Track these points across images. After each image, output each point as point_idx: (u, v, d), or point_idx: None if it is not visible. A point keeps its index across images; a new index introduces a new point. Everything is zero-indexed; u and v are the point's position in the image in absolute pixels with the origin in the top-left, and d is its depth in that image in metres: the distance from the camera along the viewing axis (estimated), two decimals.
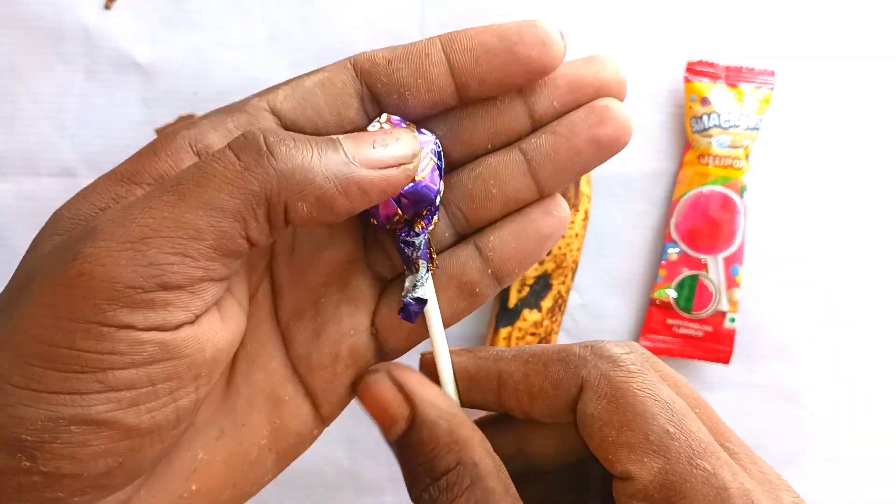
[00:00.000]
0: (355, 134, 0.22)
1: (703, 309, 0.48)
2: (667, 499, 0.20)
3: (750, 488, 0.20)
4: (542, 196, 0.25)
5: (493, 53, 0.23)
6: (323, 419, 0.26)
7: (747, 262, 0.48)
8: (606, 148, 0.24)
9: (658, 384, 0.22)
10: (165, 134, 0.22)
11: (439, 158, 0.24)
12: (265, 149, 0.20)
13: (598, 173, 0.48)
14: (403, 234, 0.24)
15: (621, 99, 0.24)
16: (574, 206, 0.46)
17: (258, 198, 0.19)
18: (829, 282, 0.49)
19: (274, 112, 0.23)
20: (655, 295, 0.48)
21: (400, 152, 0.22)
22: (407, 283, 0.24)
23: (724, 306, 0.47)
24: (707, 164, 0.47)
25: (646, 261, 0.49)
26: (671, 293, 0.48)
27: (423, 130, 0.24)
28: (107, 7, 0.48)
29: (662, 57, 0.49)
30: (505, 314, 0.46)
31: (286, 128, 0.23)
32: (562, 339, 0.48)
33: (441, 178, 0.24)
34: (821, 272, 0.49)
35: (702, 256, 0.48)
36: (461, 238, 0.26)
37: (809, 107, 0.49)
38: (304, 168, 0.20)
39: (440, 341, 0.25)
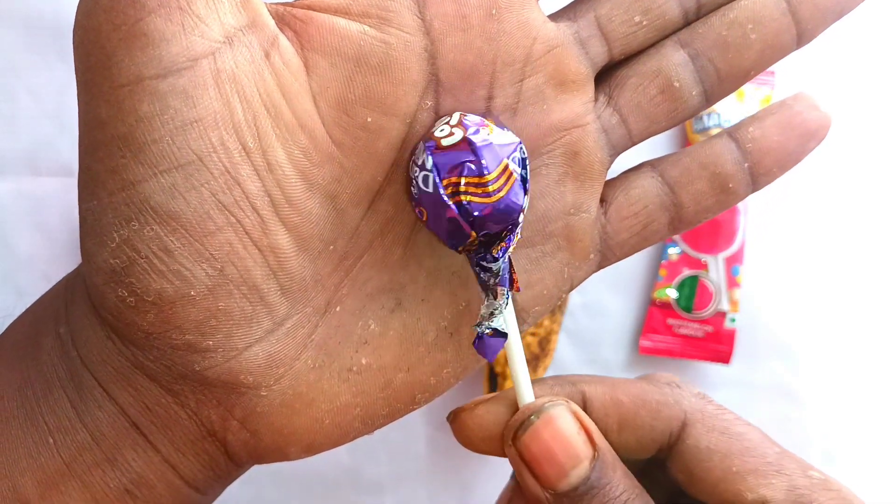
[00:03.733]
0: None
1: (704, 309, 0.48)
2: None
3: (852, 491, 0.21)
4: (801, 41, 0.24)
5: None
6: (522, 308, 0.23)
7: (748, 262, 0.48)
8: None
9: (738, 417, 0.23)
10: None
11: (523, 167, 0.20)
12: None
13: None
14: (479, 258, 0.20)
15: None
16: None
17: None
18: (830, 282, 0.49)
19: None
20: (656, 295, 0.48)
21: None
22: (483, 311, 0.21)
23: (725, 306, 0.47)
24: None
25: (646, 261, 0.49)
26: (671, 293, 0.48)
27: (504, 126, 0.21)
28: None
29: None
30: None
31: None
32: (562, 339, 0.48)
33: (526, 192, 0.20)
34: (821, 272, 0.49)
35: (702, 256, 0.48)
36: (708, 97, 0.23)
37: None
38: None
39: (522, 375, 0.22)
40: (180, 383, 0.20)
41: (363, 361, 0.21)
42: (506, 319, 0.21)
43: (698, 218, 0.23)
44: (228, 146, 0.18)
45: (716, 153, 0.23)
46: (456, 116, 0.20)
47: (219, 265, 0.18)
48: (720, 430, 0.22)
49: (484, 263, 0.20)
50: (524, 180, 0.20)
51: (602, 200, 0.23)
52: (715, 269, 0.48)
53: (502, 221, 0.20)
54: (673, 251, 0.48)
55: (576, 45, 0.22)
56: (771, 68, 0.48)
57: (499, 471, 0.49)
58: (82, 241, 0.19)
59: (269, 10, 0.19)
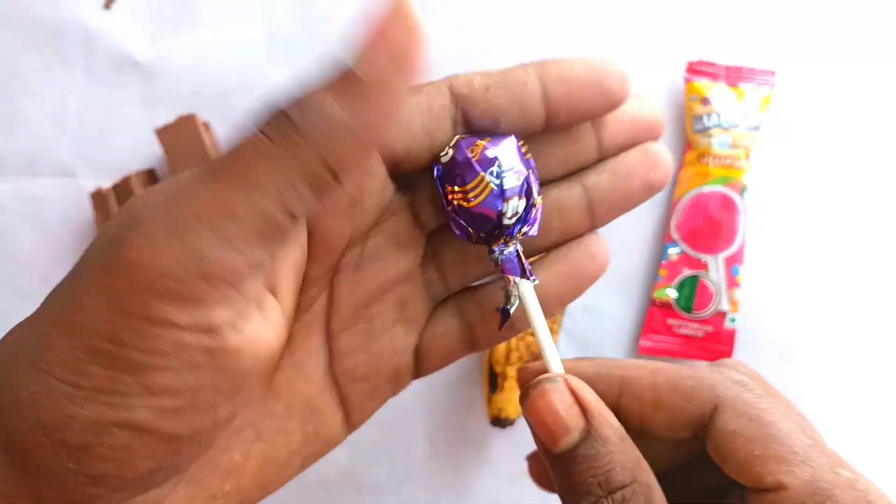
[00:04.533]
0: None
1: (704, 309, 0.48)
2: (819, 502, 0.21)
3: (885, 495, 0.22)
4: (594, 227, 0.26)
5: (584, 85, 0.24)
6: (350, 427, 0.27)
7: (748, 262, 0.48)
8: (653, 190, 0.26)
9: (783, 409, 0.24)
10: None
11: (499, 178, 0.24)
12: (290, 122, 0.19)
13: None
14: (488, 251, 0.24)
15: (659, 136, 0.26)
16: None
17: (293, 171, 0.19)
18: (830, 282, 0.49)
19: None
20: (656, 295, 0.48)
21: (399, 37, 0.21)
22: (502, 293, 0.25)
23: (725, 306, 0.47)
24: (707, 164, 0.47)
25: (646, 261, 0.49)
26: (671, 293, 0.48)
27: (497, 141, 0.24)
28: (107, 7, 0.47)
29: (662, 57, 0.49)
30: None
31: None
32: (562, 339, 0.48)
33: (506, 199, 0.24)
34: (821, 272, 0.49)
35: (702, 256, 0.48)
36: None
37: (809, 107, 0.49)
38: (330, 131, 0.19)
39: (549, 350, 0.25)
40: None
41: (226, 488, 0.23)
42: (523, 303, 0.24)
43: (489, 343, 0.27)
44: None
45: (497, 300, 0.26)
46: (454, 139, 0.24)
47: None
48: (750, 417, 0.23)
49: (490, 256, 0.24)
50: (500, 189, 0.24)
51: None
52: (715, 269, 0.48)
53: (482, 224, 0.24)
54: (673, 251, 0.48)
55: (410, 211, 0.25)
56: (771, 68, 0.48)
57: (499, 471, 0.49)
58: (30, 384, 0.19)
59: None
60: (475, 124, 0.24)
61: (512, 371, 0.46)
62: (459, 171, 0.23)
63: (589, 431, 0.22)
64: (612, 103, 0.24)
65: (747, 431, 0.23)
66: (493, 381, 0.46)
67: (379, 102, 0.19)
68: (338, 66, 0.19)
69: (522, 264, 0.24)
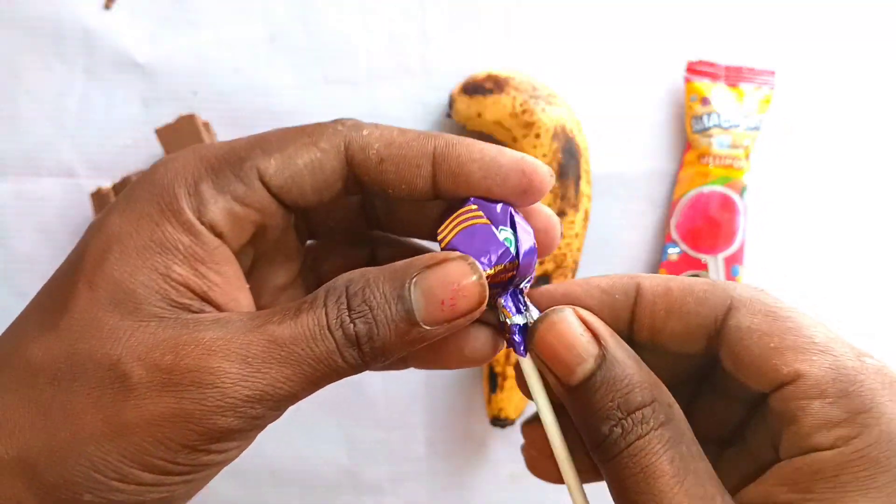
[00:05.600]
0: (427, 285, 0.22)
1: None
2: (842, 390, 0.20)
3: None
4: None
5: (474, 185, 0.24)
6: None
7: (747, 261, 0.48)
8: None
9: (803, 309, 0.23)
10: (159, 197, 0.23)
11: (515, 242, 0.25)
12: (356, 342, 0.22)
13: (598, 173, 0.48)
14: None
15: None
16: (574, 206, 0.46)
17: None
18: (829, 281, 0.49)
19: (264, 183, 0.24)
20: None
21: (466, 309, 0.22)
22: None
23: None
24: (707, 164, 0.47)
25: (646, 261, 0.49)
26: None
27: (516, 218, 0.25)
28: (107, 7, 0.48)
29: (662, 57, 0.49)
30: None
31: (272, 194, 0.24)
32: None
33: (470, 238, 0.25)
34: (820, 272, 0.49)
35: (702, 256, 0.48)
36: None
37: (809, 107, 0.49)
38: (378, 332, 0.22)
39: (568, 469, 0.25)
40: None
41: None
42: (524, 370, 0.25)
43: None
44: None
45: None
46: (473, 203, 0.25)
47: None
48: (765, 312, 0.22)
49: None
50: (516, 251, 0.24)
51: None
52: (715, 269, 0.48)
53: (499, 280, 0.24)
54: (673, 251, 0.48)
55: (293, 227, 0.27)
56: (771, 68, 0.48)
57: (499, 471, 0.49)
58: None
59: None
60: (364, 186, 0.25)
61: (512, 371, 0.46)
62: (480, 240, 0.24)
63: (604, 356, 0.22)
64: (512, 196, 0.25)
65: (762, 326, 0.22)
66: (493, 381, 0.46)
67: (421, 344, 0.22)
68: (405, 308, 0.22)
69: (513, 337, 0.25)
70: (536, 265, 0.26)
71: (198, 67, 0.48)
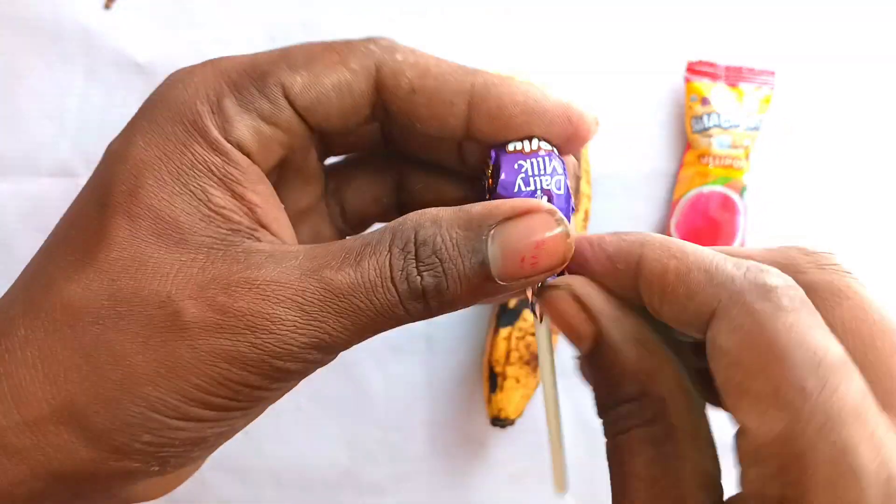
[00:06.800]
0: (508, 239, 0.20)
1: None
2: (782, 467, 0.17)
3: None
4: None
5: (513, 126, 0.23)
6: None
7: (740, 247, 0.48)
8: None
9: (813, 328, 0.17)
10: (181, 116, 0.21)
11: (567, 191, 0.23)
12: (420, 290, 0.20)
13: (598, 173, 0.48)
14: None
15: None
16: (574, 207, 0.46)
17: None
18: None
19: (290, 102, 0.22)
20: None
21: (548, 266, 0.21)
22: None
23: None
24: (707, 164, 0.47)
25: None
26: None
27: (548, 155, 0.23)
28: (107, 7, 0.48)
29: (662, 57, 0.49)
30: (505, 314, 0.46)
31: (299, 115, 0.22)
32: (562, 339, 0.48)
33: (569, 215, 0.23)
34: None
35: None
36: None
37: (809, 107, 0.49)
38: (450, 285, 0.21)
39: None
40: None
41: None
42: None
43: None
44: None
45: None
46: (536, 143, 0.23)
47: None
48: (745, 334, 0.18)
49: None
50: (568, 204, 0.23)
51: None
52: None
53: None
54: None
55: (314, 148, 0.26)
56: (771, 68, 0.48)
57: (499, 471, 0.49)
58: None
59: None
60: (392, 116, 0.23)
61: (512, 371, 0.46)
62: (540, 170, 0.23)
63: (597, 339, 0.21)
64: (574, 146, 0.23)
65: (734, 352, 0.18)
66: (493, 381, 0.46)
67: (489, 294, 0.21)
68: (480, 262, 0.20)
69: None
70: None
71: None
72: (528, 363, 0.46)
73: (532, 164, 0.22)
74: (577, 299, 0.21)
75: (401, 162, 0.27)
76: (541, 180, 0.23)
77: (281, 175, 0.25)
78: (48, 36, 0.47)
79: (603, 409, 0.21)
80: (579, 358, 0.22)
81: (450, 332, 0.48)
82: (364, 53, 0.22)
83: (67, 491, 0.20)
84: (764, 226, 0.49)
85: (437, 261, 0.20)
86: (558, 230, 0.21)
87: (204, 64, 0.23)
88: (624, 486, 0.20)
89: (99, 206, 0.21)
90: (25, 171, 0.47)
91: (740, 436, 0.18)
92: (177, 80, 0.22)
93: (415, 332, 0.48)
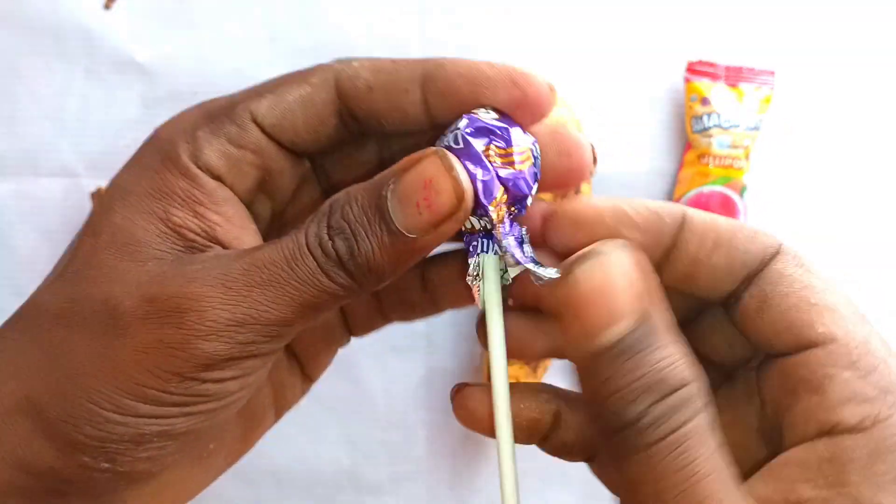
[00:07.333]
0: (402, 188, 0.21)
1: None
2: (871, 365, 0.19)
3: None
4: None
5: (464, 102, 0.23)
6: (309, 380, 0.29)
7: None
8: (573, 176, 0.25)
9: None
10: (159, 149, 0.23)
11: (535, 163, 0.23)
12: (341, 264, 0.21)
13: (598, 173, 0.48)
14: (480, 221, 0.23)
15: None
16: (538, 176, 0.46)
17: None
18: None
19: (257, 123, 0.23)
20: None
21: (446, 205, 0.21)
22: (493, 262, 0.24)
23: None
24: (707, 164, 0.47)
25: None
26: None
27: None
28: (107, 7, 0.48)
29: (662, 57, 0.49)
30: None
31: (267, 135, 0.24)
32: None
33: (534, 183, 0.23)
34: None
35: None
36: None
37: (809, 107, 0.49)
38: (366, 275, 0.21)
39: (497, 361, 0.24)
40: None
41: (211, 447, 0.25)
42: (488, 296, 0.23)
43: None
44: None
45: None
46: (490, 112, 0.23)
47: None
48: (808, 268, 0.21)
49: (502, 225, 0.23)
50: (536, 172, 0.23)
51: None
52: None
53: (517, 189, 0.23)
54: None
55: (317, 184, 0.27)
56: (771, 68, 0.48)
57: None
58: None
59: None
60: (360, 121, 0.24)
61: (512, 371, 0.46)
62: (503, 133, 0.22)
63: (644, 320, 0.18)
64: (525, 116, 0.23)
65: (804, 278, 0.21)
66: None
67: (408, 252, 0.21)
68: (382, 217, 0.21)
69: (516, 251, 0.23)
70: (536, 190, 0.24)
71: (198, 67, 0.48)
72: (528, 363, 0.46)
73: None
74: (637, 264, 0.19)
75: None
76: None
77: (282, 207, 0.26)
78: (48, 36, 0.47)
79: (638, 409, 0.18)
80: (586, 354, 0.19)
81: (450, 331, 0.48)
82: (324, 69, 0.24)
83: (38, 485, 0.21)
84: (764, 226, 0.49)
85: (345, 223, 0.21)
86: (443, 167, 0.21)
87: (193, 106, 0.25)
88: (702, 490, 0.17)
89: (80, 233, 0.23)
90: (25, 171, 0.47)
91: (822, 347, 0.19)
92: (167, 122, 0.24)
93: (415, 332, 0.48)
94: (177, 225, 0.22)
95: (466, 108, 0.23)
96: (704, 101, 0.47)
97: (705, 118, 0.47)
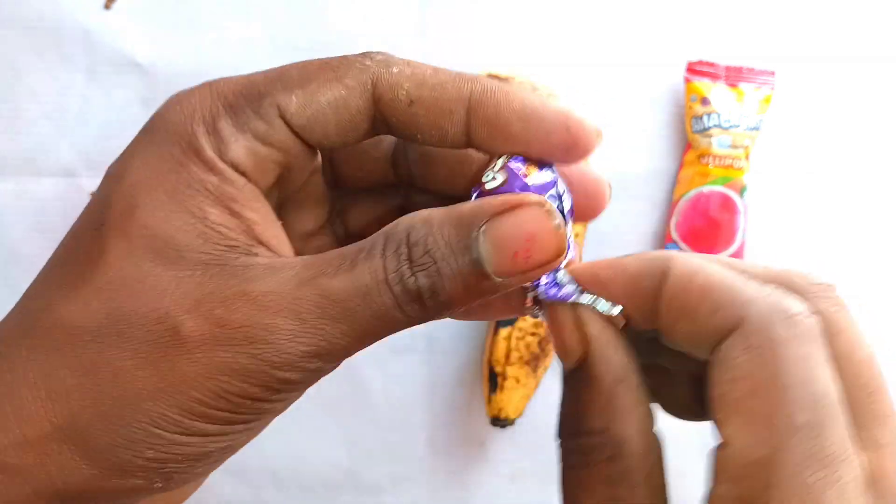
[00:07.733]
0: (499, 234, 0.20)
1: None
2: (754, 491, 0.17)
3: None
4: None
5: (512, 137, 0.22)
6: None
7: (747, 261, 0.48)
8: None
9: (821, 365, 0.18)
10: (177, 139, 0.21)
11: (559, 200, 0.23)
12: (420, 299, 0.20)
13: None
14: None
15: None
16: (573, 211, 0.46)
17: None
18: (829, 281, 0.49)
19: (286, 121, 0.22)
20: None
21: (546, 260, 0.20)
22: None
23: None
24: (707, 164, 0.47)
25: None
26: None
27: (546, 166, 0.23)
28: (107, 7, 0.48)
29: (662, 57, 0.49)
30: None
31: (294, 133, 0.22)
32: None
33: (566, 221, 0.22)
34: (820, 272, 0.49)
35: None
36: None
37: (809, 107, 0.49)
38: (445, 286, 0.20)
39: None
40: None
41: None
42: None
43: None
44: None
45: None
46: (501, 162, 0.22)
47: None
48: (759, 353, 0.19)
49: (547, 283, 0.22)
50: (561, 211, 0.22)
51: None
52: None
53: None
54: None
55: (320, 172, 0.26)
56: (771, 68, 0.48)
57: (499, 471, 0.49)
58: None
59: None
60: (392, 129, 0.23)
61: (512, 371, 0.46)
62: (558, 203, 0.22)
63: (581, 365, 0.21)
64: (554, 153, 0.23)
65: (745, 366, 0.18)
66: (493, 381, 0.47)
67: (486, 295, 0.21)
68: (472, 259, 0.20)
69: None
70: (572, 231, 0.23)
71: (198, 67, 0.48)
72: (528, 363, 0.46)
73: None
74: (577, 317, 0.21)
75: (406, 186, 0.27)
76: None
77: (286, 197, 0.25)
78: (48, 36, 0.47)
79: (566, 434, 0.21)
80: (564, 373, 0.22)
81: (450, 332, 0.48)
82: (360, 69, 0.22)
83: None
84: (764, 226, 0.49)
85: (430, 260, 0.20)
86: (549, 222, 0.20)
87: (201, 86, 0.22)
88: None
89: (95, 227, 0.21)
90: (25, 171, 0.47)
91: (722, 449, 0.18)
92: (174, 103, 0.22)
93: (415, 333, 0.48)
94: (215, 224, 0.21)
95: (512, 143, 0.22)
96: (704, 101, 0.47)
97: (705, 118, 0.47)
